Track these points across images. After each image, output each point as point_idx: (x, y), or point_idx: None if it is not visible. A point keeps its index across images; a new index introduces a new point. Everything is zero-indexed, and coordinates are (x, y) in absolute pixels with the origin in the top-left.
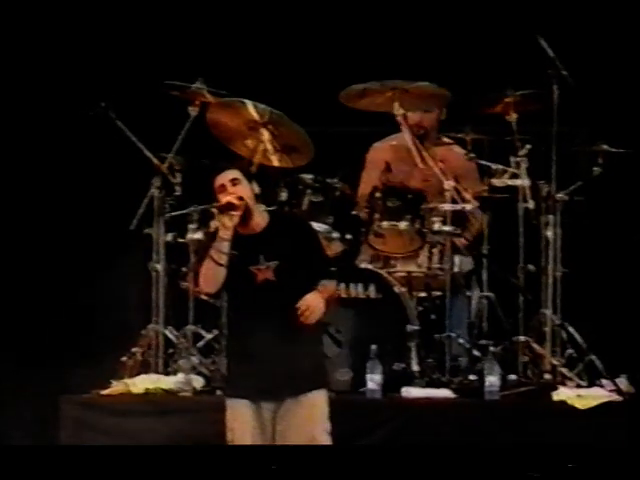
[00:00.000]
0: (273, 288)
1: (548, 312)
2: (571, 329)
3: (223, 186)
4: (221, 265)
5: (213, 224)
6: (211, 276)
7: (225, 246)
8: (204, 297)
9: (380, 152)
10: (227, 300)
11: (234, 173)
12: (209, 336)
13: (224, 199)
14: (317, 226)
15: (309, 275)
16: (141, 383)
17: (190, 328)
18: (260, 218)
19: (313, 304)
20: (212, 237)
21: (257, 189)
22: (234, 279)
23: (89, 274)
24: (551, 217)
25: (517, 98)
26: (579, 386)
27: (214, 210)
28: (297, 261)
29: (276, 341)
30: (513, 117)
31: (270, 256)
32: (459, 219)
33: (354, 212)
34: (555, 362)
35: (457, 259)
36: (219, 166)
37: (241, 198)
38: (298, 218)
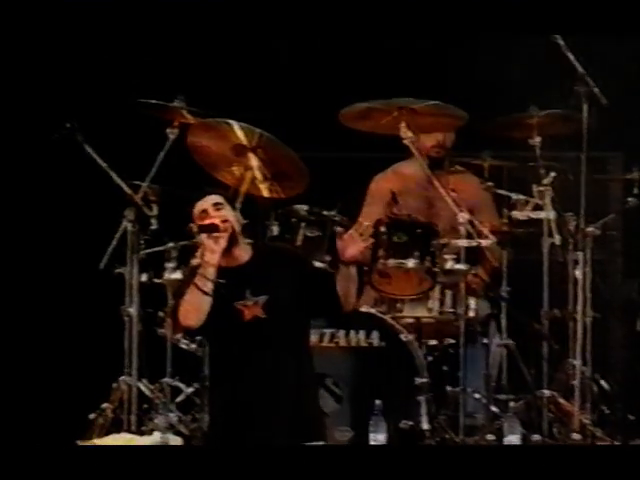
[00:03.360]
0: (264, 326)
1: (577, 363)
2: (603, 382)
3: (205, 211)
4: (206, 294)
5: (195, 261)
6: (194, 306)
7: (211, 272)
8: (183, 345)
9: (384, 182)
10: (208, 346)
11: (216, 198)
12: (189, 390)
13: (207, 220)
14: None
15: (304, 308)
16: (112, 443)
17: (167, 381)
18: (243, 250)
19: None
20: (195, 269)
21: (242, 220)
22: (217, 318)
23: (52, 319)
24: (580, 254)
25: (542, 119)
26: None
27: (195, 232)
28: (289, 294)
29: (266, 386)
30: (537, 141)
31: (257, 290)
32: (472, 255)
33: None
34: (585, 420)
35: (472, 302)
36: (201, 193)
37: (226, 220)
38: (284, 248)
